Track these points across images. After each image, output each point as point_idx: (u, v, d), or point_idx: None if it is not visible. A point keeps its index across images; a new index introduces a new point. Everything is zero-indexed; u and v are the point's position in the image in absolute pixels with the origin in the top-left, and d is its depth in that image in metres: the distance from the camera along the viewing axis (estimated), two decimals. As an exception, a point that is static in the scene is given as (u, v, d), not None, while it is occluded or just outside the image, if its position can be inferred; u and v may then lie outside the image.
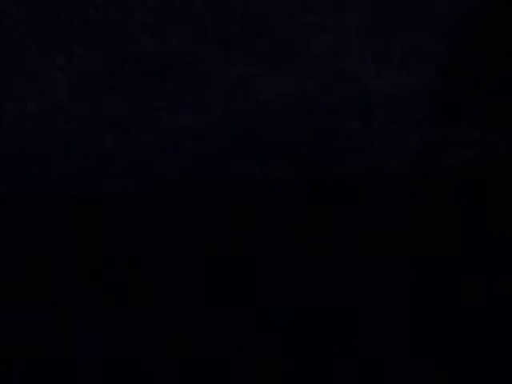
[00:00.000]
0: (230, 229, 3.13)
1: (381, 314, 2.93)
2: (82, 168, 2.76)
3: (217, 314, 2.72)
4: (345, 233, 3.75)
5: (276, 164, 3.28)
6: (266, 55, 2.99)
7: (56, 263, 2.79)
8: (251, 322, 2.88)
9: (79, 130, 2.61)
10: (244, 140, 2.89)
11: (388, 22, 3.59)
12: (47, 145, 2.43)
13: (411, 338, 2.73)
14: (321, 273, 3.02)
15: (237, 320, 2.80)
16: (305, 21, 3.08)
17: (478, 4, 4.69)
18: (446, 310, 3.13)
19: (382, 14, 3.48)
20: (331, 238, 3.69)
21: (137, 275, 2.65)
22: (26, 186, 2.57)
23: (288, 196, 3.80)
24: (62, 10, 2.33)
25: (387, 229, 4.00)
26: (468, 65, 5.12)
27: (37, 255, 2.78)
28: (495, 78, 5.11)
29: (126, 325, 2.59)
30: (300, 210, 3.94)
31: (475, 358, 2.69)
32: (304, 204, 3.91)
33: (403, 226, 3.88)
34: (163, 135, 2.89)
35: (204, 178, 3.05)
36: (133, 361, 2.64)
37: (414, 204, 4.88)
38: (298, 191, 4.06)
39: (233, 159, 3.05)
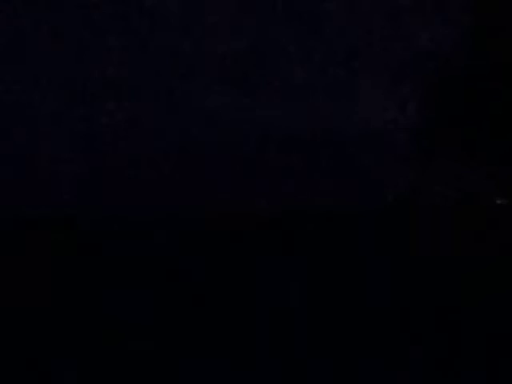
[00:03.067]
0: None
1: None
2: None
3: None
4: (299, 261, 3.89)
5: (252, 196, 3.26)
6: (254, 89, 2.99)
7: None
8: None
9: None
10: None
11: (369, 61, 3.52)
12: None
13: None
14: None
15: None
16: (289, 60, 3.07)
17: (454, 46, 4.66)
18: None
19: (365, 54, 3.43)
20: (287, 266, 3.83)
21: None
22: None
23: (262, 225, 3.83)
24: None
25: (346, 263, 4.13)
26: (445, 107, 5.10)
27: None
28: (471, 119, 5.08)
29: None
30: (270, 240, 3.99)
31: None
32: (276, 234, 3.93)
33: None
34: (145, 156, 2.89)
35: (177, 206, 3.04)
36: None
37: (386, 236, 4.90)
38: (273, 222, 4.07)
39: (213, 189, 3.04)
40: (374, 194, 5.79)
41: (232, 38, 2.79)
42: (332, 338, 3.18)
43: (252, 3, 2.79)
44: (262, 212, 3.70)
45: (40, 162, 2.75)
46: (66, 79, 2.71)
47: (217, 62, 2.73)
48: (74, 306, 3.00)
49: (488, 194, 8.99)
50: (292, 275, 3.98)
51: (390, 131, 4.78)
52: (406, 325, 3.73)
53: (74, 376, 2.67)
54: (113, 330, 2.90)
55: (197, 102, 2.79)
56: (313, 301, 3.62)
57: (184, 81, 2.74)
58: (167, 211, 3.08)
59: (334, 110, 3.51)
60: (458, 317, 4.22)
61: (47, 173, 2.77)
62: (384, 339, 3.19)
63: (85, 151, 2.86)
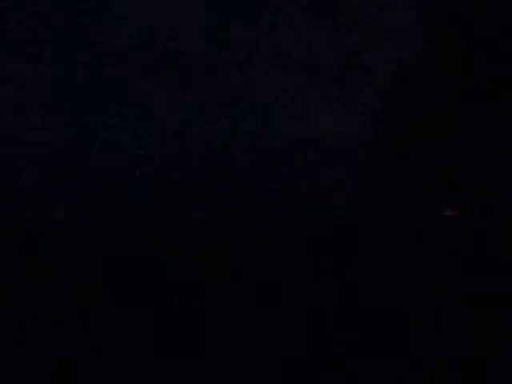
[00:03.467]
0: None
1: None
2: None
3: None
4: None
5: (202, 207, 3.37)
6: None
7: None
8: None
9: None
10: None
11: (330, 78, 3.67)
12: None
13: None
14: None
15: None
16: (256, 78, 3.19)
17: (414, 66, 4.89)
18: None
19: (327, 72, 3.56)
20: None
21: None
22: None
23: (213, 237, 3.99)
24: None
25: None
26: (396, 124, 5.32)
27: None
28: (420, 138, 5.31)
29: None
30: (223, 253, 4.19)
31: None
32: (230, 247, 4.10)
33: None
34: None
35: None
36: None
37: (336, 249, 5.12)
38: (226, 234, 4.24)
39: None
40: (324, 205, 5.91)
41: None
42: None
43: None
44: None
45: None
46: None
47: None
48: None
49: (436, 206, 9.27)
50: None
51: (341, 147, 4.88)
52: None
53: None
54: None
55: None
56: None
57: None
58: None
59: (286, 125, 3.60)
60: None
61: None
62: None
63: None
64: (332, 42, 3.87)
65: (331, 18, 3.95)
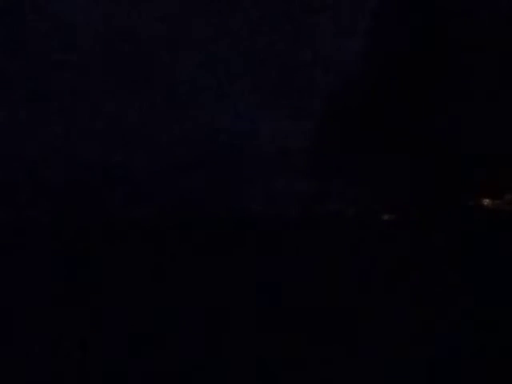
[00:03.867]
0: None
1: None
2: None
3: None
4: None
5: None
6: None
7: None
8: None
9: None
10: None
11: (276, 86, 4.36)
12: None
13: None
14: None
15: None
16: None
17: (355, 77, 5.80)
18: None
19: (265, 79, 4.23)
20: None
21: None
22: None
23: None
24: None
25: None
26: (341, 130, 6.25)
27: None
28: (364, 142, 6.25)
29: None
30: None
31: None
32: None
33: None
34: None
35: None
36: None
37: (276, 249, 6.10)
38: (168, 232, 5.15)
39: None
40: (277, 207, 6.60)
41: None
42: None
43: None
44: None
45: None
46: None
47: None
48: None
49: (376, 210, 9.98)
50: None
51: (289, 151, 5.49)
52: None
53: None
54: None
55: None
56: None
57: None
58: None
59: (235, 128, 4.10)
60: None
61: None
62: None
63: None
64: (275, 49, 4.35)
65: (273, 27, 4.42)
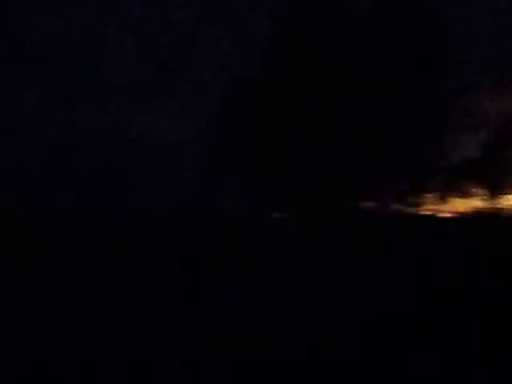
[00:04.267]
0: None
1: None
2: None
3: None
4: None
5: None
6: None
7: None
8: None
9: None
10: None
11: (174, 86, 4.71)
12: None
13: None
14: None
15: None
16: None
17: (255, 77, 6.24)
18: None
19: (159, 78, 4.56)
20: None
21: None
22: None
23: None
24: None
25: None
26: (235, 127, 6.72)
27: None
28: (258, 140, 6.81)
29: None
30: None
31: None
32: None
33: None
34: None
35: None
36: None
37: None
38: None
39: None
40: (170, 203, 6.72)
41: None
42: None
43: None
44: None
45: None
46: None
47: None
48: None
49: (266, 208, 10.45)
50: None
51: (181, 147, 5.64)
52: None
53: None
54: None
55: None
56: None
57: None
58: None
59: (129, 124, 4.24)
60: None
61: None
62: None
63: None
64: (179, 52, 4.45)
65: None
